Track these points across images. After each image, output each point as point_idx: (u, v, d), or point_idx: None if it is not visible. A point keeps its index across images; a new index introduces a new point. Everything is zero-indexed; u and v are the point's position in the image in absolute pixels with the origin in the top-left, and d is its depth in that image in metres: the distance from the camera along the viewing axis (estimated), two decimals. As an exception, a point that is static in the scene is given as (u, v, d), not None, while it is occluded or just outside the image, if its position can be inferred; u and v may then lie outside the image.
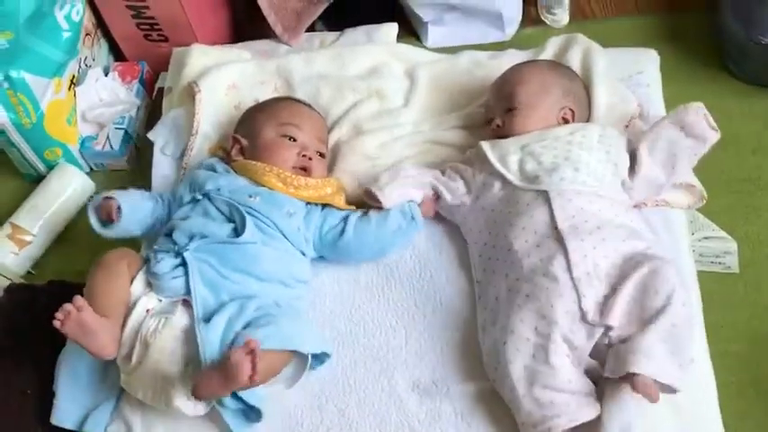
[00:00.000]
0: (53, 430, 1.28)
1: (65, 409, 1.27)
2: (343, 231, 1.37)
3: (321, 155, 1.46)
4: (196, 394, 1.13)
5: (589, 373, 1.19)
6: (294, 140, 1.42)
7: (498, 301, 1.26)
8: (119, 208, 1.37)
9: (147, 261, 1.30)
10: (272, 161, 1.40)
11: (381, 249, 1.39)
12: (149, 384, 1.21)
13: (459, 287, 1.36)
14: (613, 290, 1.18)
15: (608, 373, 1.15)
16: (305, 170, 1.41)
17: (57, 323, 1.15)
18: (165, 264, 1.26)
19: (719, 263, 1.48)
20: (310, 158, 1.42)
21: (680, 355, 1.13)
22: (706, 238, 1.50)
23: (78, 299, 1.16)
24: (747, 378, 1.36)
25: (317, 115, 1.51)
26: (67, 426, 1.27)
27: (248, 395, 1.19)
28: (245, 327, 1.19)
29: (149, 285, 1.28)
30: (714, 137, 1.33)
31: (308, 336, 1.25)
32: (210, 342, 1.17)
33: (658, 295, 1.15)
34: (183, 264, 1.25)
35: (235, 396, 1.18)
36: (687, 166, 1.35)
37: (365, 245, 1.38)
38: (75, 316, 1.14)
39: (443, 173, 1.42)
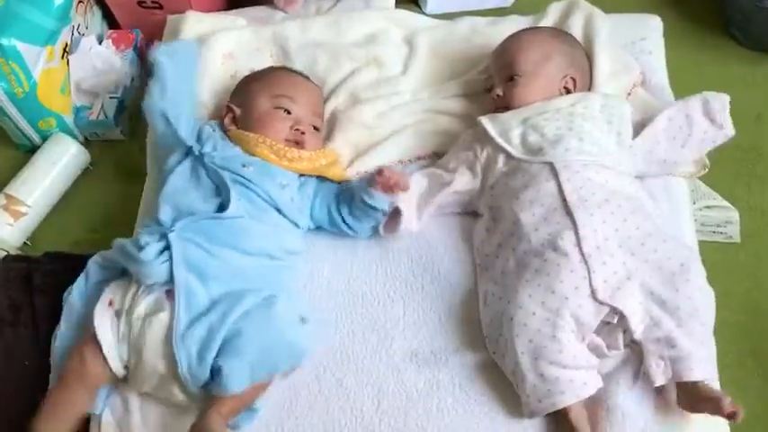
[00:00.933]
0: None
1: None
2: (337, 210, 1.36)
3: (316, 128, 1.44)
4: None
5: (592, 349, 1.19)
6: (288, 113, 1.40)
7: (504, 274, 1.25)
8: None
9: (123, 253, 1.23)
10: (265, 132, 1.37)
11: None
12: (150, 383, 1.21)
13: (458, 257, 1.35)
14: (627, 275, 1.17)
15: (657, 380, 1.14)
16: (297, 144, 1.39)
17: None
18: (151, 249, 1.20)
19: (721, 232, 1.47)
20: (303, 132, 1.39)
21: (711, 348, 1.16)
22: (707, 207, 1.49)
23: None
24: (747, 348, 1.37)
25: (313, 87, 1.49)
26: None
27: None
28: (219, 351, 1.16)
29: (116, 318, 1.21)
30: (730, 132, 1.33)
31: (287, 352, 1.21)
32: (188, 355, 1.16)
33: (681, 295, 1.15)
34: (168, 247, 1.21)
35: None
36: (696, 150, 1.34)
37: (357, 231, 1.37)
38: None
39: (447, 169, 1.38)
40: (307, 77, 1.50)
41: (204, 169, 1.33)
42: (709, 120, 1.32)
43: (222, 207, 1.28)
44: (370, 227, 1.36)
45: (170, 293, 1.21)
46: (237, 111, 1.42)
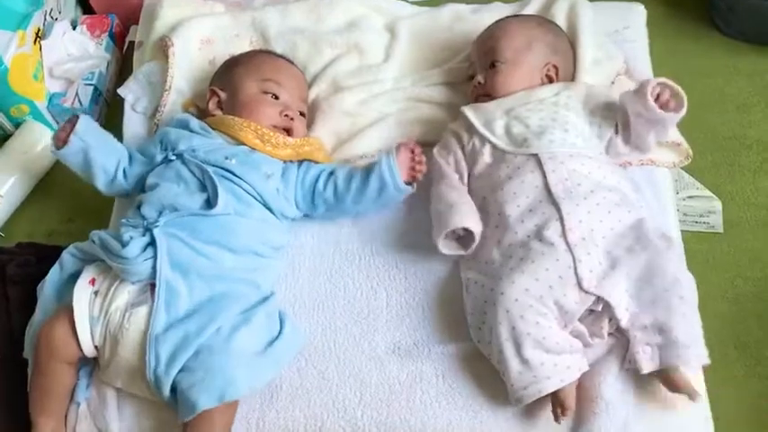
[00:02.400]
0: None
1: None
2: (323, 189, 1.33)
3: (302, 114, 1.42)
4: None
5: (576, 336, 1.18)
6: (276, 98, 1.38)
7: (488, 263, 1.24)
8: (76, 119, 1.33)
9: (103, 247, 1.19)
10: (253, 117, 1.35)
11: (363, 210, 1.36)
12: (124, 377, 1.18)
13: (442, 249, 1.34)
14: (612, 265, 1.17)
15: (645, 367, 1.13)
16: (287, 130, 1.37)
17: None
18: (135, 246, 1.17)
19: (704, 222, 1.48)
20: (292, 119, 1.38)
21: (698, 331, 1.15)
22: (690, 197, 1.49)
23: None
24: (729, 337, 1.38)
25: (299, 73, 1.47)
26: None
27: None
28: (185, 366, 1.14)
29: (94, 296, 1.19)
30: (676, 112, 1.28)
31: (256, 371, 1.17)
32: (157, 358, 1.13)
33: (665, 282, 1.15)
34: (152, 243, 1.18)
35: None
36: (656, 132, 1.31)
37: (344, 205, 1.34)
38: None
39: (452, 169, 1.36)
40: (292, 62, 1.47)
41: (185, 165, 1.29)
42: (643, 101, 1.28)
43: (208, 202, 1.25)
44: (361, 195, 1.32)
45: (153, 287, 1.18)
46: (222, 95, 1.39)
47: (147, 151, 1.36)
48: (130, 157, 1.38)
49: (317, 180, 1.34)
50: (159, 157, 1.32)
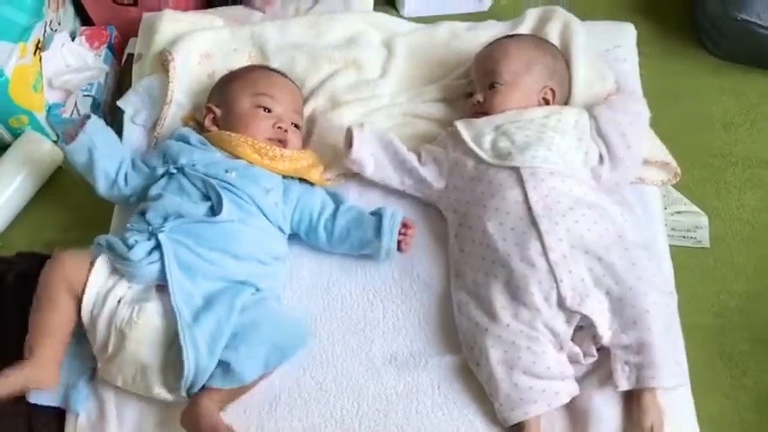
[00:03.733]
0: (30, 407, 1.26)
1: None
2: (316, 227, 1.35)
3: (296, 126, 1.44)
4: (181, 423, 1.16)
5: (570, 356, 1.21)
6: (269, 111, 1.40)
7: (476, 283, 1.27)
8: (87, 117, 1.38)
9: (110, 248, 1.23)
10: (248, 132, 1.37)
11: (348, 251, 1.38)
12: (128, 373, 1.19)
13: (437, 261, 1.36)
14: (594, 282, 1.19)
15: (621, 385, 1.16)
16: (281, 142, 1.39)
17: None
18: (140, 249, 1.20)
19: (691, 237, 1.51)
20: (286, 131, 1.40)
21: (677, 353, 1.19)
22: (678, 212, 1.52)
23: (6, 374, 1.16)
24: (715, 351, 1.40)
25: (292, 85, 1.49)
26: (43, 402, 1.25)
27: None
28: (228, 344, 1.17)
29: (115, 272, 1.23)
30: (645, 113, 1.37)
31: (284, 343, 1.22)
32: (196, 349, 1.15)
33: (646, 303, 1.17)
34: (158, 247, 1.21)
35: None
36: (640, 139, 1.36)
37: (334, 247, 1.37)
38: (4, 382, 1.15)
39: (419, 156, 1.41)
40: (285, 76, 1.49)
41: (186, 178, 1.32)
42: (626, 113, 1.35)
43: (212, 210, 1.27)
44: (351, 249, 1.36)
45: (159, 288, 1.21)
46: (218, 111, 1.42)
47: (150, 162, 1.39)
48: (133, 164, 1.40)
49: (319, 216, 1.36)
50: (161, 170, 1.34)
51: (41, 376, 1.19)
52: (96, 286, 1.21)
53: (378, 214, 1.34)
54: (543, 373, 1.16)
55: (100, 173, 1.38)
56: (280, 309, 1.28)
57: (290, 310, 1.31)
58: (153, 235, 1.23)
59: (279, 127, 1.39)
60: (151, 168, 1.37)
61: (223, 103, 1.42)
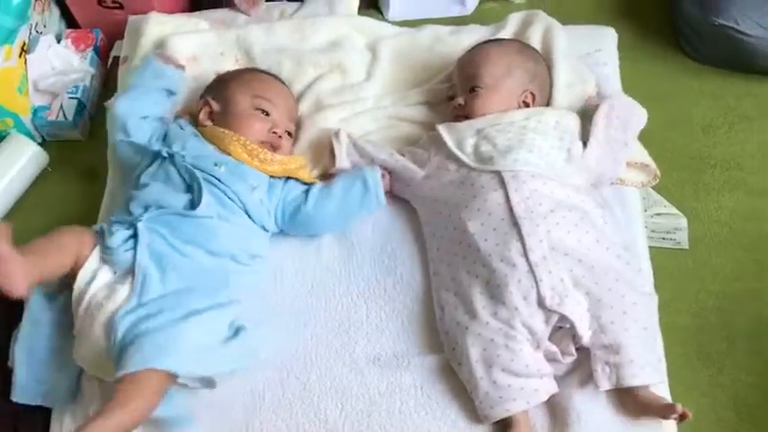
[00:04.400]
0: (17, 407, 1.27)
1: (25, 386, 1.25)
2: (304, 202, 1.38)
3: (290, 134, 1.46)
4: None
5: (548, 356, 1.23)
6: (267, 115, 1.42)
7: (455, 282, 1.28)
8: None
9: (100, 235, 1.28)
10: (243, 131, 1.39)
11: (342, 221, 1.41)
12: (94, 356, 1.21)
13: (420, 262, 1.38)
14: (574, 283, 1.21)
15: (602, 385, 1.19)
16: (273, 147, 1.41)
17: None
18: (118, 236, 1.25)
19: (670, 239, 1.53)
20: (280, 137, 1.42)
21: (655, 351, 1.22)
22: (658, 214, 1.54)
23: (2, 228, 1.12)
24: (694, 349, 1.42)
25: (290, 94, 1.51)
26: (28, 401, 1.26)
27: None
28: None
29: (103, 260, 1.26)
30: (642, 113, 1.41)
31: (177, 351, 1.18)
32: (115, 336, 1.17)
33: (624, 304, 1.20)
34: (135, 235, 1.25)
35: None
36: (629, 151, 1.39)
37: (325, 217, 1.39)
38: None
39: (401, 154, 1.43)
40: (284, 83, 1.51)
41: (174, 167, 1.33)
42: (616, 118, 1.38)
43: (192, 204, 1.29)
44: (345, 208, 1.39)
45: (134, 275, 1.23)
46: (215, 106, 1.43)
47: (155, 132, 1.41)
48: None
49: (301, 195, 1.39)
50: (156, 146, 1.36)
51: (12, 267, 1.11)
52: (91, 267, 1.24)
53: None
54: (521, 370, 1.18)
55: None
56: (201, 333, 1.21)
57: (218, 342, 1.24)
58: (132, 225, 1.26)
59: (274, 132, 1.41)
60: (149, 141, 1.38)
61: (221, 100, 1.44)
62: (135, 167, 1.39)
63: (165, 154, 1.34)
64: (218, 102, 1.43)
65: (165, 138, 1.39)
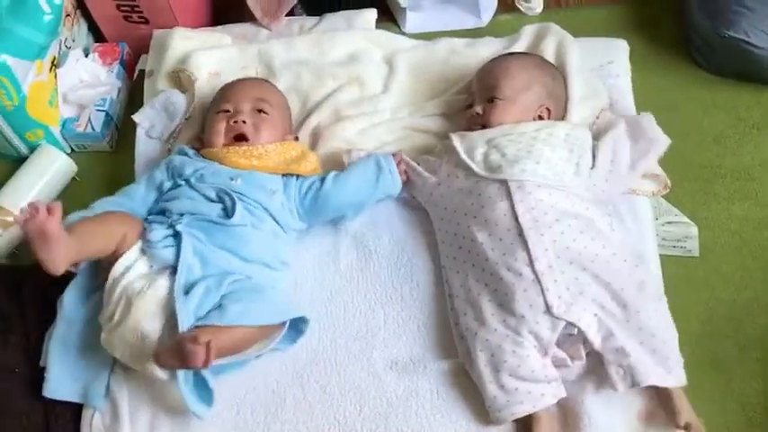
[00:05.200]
0: (48, 405, 1.31)
1: (57, 382, 1.29)
2: (321, 186, 1.41)
3: (261, 111, 1.46)
4: (156, 363, 1.18)
5: (556, 362, 1.26)
6: (227, 111, 1.46)
7: (465, 289, 1.32)
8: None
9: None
10: (212, 140, 1.44)
11: (361, 201, 1.43)
12: (127, 344, 1.23)
13: (436, 269, 1.42)
14: (580, 290, 1.24)
15: (619, 388, 1.22)
16: (241, 137, 1.43)
17: (20, 216, 1.14)
18: (158, 233, 1.28)
19: (681, 247, 1.55)
20: (244, 121, 1.43)
21: (670, 357, 1.23)
22: (669, 222, 1.56)
23: (54, 206, 1.14)
24: (704, 357, 1.43)
25: (253, 80, 1.54)
26: (61, 397, 1.30)
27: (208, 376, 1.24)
28: (218, 304, 1.23)
29: (143, 252, 1.29)
30: (664, 140, 1.43)
31: (276, 308, 1.29)
32: (186, 312, 1.20)
33: (635, 305, 1.24)
34: (175, 235, 1.28)
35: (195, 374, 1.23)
36: (642, 167, 1.43)
37: (344, 196, 1.42)
38: (41, 219, 1.12)
39: (416, 162, 1.47)
40: (256, 78, 1.57)
41: (195, 189, 1.38)
42: (641, 138, 1.42)
43: (225, 213, 1.33)
44: (362, 189, 1.42)
45: (173, 271, 1.26)
46: (202, 134, 1.50)
47: (155, 179, 1.44)
48: (128, 197, 1.43)
49: (317, 181, 1.42)
50: (168, 183, 1.40)
51: (57, 246, 1.14)
52: (130, 257, 1.27)
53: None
54: (528, 375, 1.22)
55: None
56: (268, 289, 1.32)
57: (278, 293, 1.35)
58: (171, 226, 1.29)
59: (234, 121, 1.43)
60: (158, 182, 1.42)
61: (203, 125, 1.51)
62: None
63: (180, 182, 1.39)
64: (202, 130, 1.51)
65: (168, 170, 1.43)
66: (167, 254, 1.27)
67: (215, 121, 1.45)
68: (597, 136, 1.44)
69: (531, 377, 1.22)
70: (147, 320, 1.21)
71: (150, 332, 1.21)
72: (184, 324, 1.19)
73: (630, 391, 1.23)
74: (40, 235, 1.13)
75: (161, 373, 1.22)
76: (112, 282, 1.26)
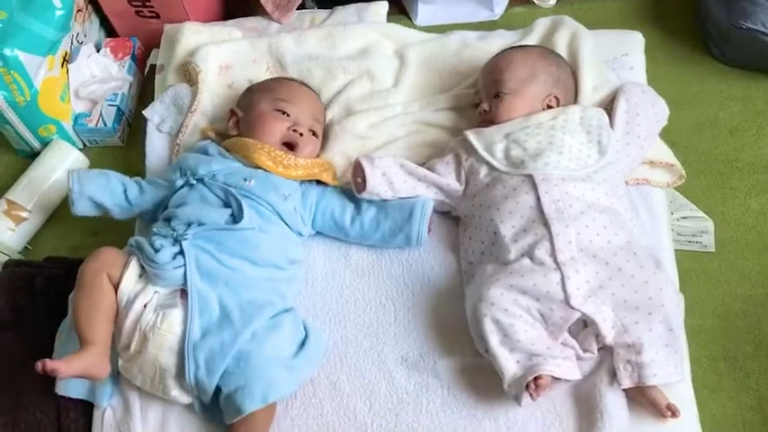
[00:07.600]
0: (60, 399, 1.32)
1: (69, 380, 1.29)
2: (346, 227, 1.41)
3: (314, 133, 1.48)
4: None
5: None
6: (287, 115, 1.45)
7: (483, 278, 1.31)
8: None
9: (139, 249, 1.28)
10: (263, 134, 1.42)
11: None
12: (147, 374, 1.25)
13: (447, 266, 1.41)
14: (599, 284, 1.23)
15: (624, 383, 1.21)
16: (292, 146, 1.43)
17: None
18: (166, 253, 1.26)
19: (696, 242, 1.54)
20: (301, 134, 1.44)
21: (678, 352, 1.22)
22: (684, 217, 1.55)
23: (48, 364, 1.14)
24: (719, 353, 1.43)
25: (314, 95, 1.54)
26: (72, 395, 1.31)
27: None
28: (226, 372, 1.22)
29: (141, 276, 1.28)
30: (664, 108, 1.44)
31: (285, 378, 1.25)
32: (196, 364, 1.22)
33: (650, 305, 1.21)
34: (182, 252, 1.27)
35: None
36: (654, 130, 1.43)
37: (361, 241, 1.43)
38: (62, 375, 1.17)
39: (432, 169, 1.44)
40: (310, 87, 1.55)
41: (207, 188, 1.37)
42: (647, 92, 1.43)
43: (233, 218, 1.32)
44: (381, 239, 1.41)
45: (183, 293, 1.26)
46: (240, 113, 1.48)
47: (167, 176, 1.44)
48: (147, 183, 1.45)
49: (342, 214, 1.41)
50: (180, 182, 1.39)
51: (98, 366, 1.20)
52: (129, 284, 1.26)
53: (407, 203, 1.40)
54: (543, 351, 1.20)
55: (111, 207, 1.43)
56: (287, 342, 1.28)
57: (298, 335, 1.30)
58: (177, 241, 1.28)
59: (294, 130, 1.43)
60: (170, 182, 1.42)
61: (245, 107, 1.48)
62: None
63: (193, 181, 1.38)
64: (242, 109, 1.48)
65: (180, 169, 1.41)
66: (177, 275, 1.25)
67: (274, 118, 1.44)
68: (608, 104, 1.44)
69: (547, 353, 1.20)
70: (164, 355, 1.23)
71: (170, 366, 1.23)
72: (191, 377, 1.22)
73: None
74: (79, 374, 1.19)
75: (185, 400, 1.26)
76: (123, 310, 1.25)
